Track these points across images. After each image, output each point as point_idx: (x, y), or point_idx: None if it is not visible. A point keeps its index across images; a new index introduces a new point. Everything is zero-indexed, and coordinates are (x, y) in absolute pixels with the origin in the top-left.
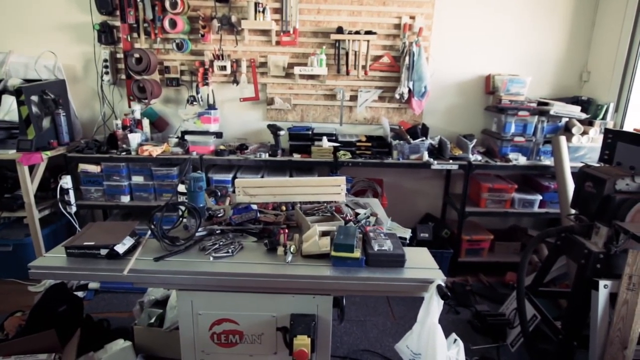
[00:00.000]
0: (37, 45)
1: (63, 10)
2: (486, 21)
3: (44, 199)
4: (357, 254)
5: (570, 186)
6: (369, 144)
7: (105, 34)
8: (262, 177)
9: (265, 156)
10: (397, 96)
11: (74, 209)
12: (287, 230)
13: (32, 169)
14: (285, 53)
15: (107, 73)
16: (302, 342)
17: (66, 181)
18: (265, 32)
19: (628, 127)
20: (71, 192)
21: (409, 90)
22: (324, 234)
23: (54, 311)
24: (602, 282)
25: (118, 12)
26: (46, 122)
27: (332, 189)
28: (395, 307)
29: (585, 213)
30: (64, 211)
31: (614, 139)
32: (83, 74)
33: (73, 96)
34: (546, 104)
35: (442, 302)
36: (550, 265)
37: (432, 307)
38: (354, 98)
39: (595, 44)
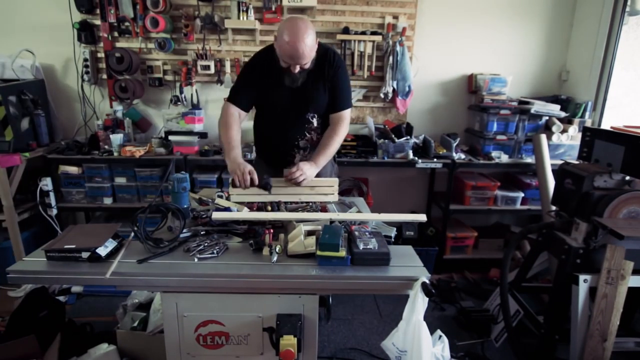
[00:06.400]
0: (14, 45)
1: (41, 9)
2: (467, 21)
3: (23, 202)
4: (342, 253)
5: (551, 183)
6: (354, 143)
7: (85, 33)
8: None
9: (251, 156)
10: (381, 95)
11: (54, 211)
12: (272, 230)
13: (10, 170)
14: None
15: (87, 73)
16: (288, 342)
17: (46, 183)
18: (249, 32)
19: (605, 125)
20: (51, 194)
21: (394, 90)
22: (309, 233)
23: (34, 316)
24: (582, 277)
25: (98, 11)
26: (25, 123)
27: (324, 189)
28: (382, 305)
29: (565, 209)
30: (44, 214)
31: (592, 136)
32: (62, 74)
33: (52, 96)
34: (527, 102)
35: (427, 299)
36: (533, 261)
37: (417, 304)
38: None
39: (573, 44)
